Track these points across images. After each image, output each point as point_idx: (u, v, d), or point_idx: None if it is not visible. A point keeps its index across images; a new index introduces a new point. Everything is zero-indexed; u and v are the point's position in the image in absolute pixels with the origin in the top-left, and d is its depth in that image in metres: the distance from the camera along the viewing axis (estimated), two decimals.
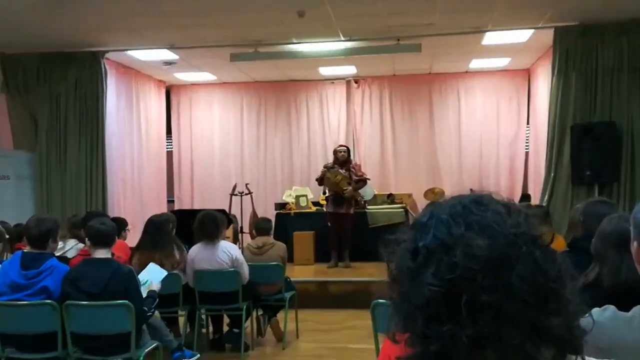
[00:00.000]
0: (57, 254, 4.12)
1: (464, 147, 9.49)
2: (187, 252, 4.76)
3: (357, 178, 7.30)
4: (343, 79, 9.74)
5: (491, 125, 9.44)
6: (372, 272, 6.57)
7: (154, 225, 4.65)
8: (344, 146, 7.52)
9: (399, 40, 6.91)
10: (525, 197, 8.26)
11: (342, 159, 7.31)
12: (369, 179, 7.55)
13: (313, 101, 9.91)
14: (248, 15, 6.03)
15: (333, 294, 6.52)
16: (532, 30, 6.86)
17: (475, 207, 0.77)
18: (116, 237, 3.76)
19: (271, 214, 8.49)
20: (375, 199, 8.49)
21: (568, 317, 0.72)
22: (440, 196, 7.52)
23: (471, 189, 0.82)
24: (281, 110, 9.97)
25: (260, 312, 5.22)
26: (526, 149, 9.42)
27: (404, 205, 8.27)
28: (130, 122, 8.74)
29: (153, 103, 9.47)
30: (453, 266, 0.71)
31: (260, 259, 5.18)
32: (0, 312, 3.41)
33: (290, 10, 5.89)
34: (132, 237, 5.90)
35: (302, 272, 7.10)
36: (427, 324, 0.72)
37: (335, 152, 7.48)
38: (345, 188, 7.18)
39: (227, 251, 4.71)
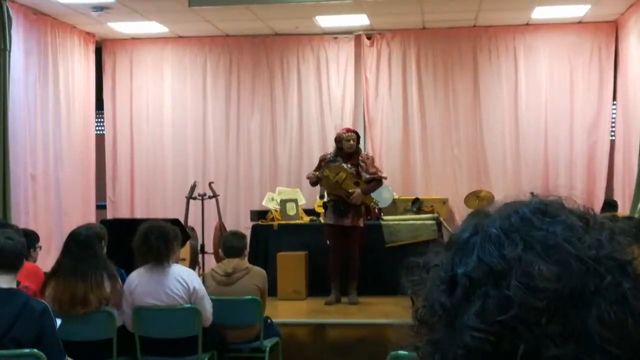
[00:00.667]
0: None
1: (522, 133, 9.53)
2: (124, 280, 4.76)
3: (368, 176, 7.31)
4: (350, 33, 9.76)
5: (562, 101, 9.49)
6: (388, 312, 6.58)
7: (76, 242, 4.65)
8: (352, 131, 7.53)
9: None
10: (610, 205, 8.29)
11: (349, 149, 7.32)
12: (385, 178, 7.56)
13: (307, 65, 9.93)
14: None
15: (333, 343, 6.51)
16: None
17: (538, 219, 0.77)
18: (24, 259, 3.75)
19: (246, 226, 8.48)
20: (395, 207, 8.51)
21: None
22: (488, 203, 7.53)
23: (532, 193, 0.83)
24: (261, 78, 9.99)
25: None
26: (612, 136, 9.47)
27: (436, 215, 8.28)
28: (45, 93, 8.74)
29: (77, 65, 9.47)
30: (506, 303, 0.71)
31: (229, 290, 5.19)
32: None
33: None
34: (45, 258, 5.89)
35: (288, 311, 7.11)
36: None
37: (338, 139, 7.49)
38: (351, 190, 7.20)
39: (182, 279, 4.72)
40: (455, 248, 0.78)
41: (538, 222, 0.76)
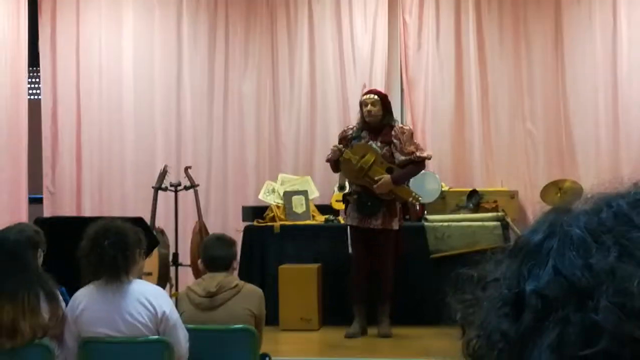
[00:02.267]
0: None
1: (623, 101, 9.50)
2: (67, 302, 4.78)
3: (404, 158, 7.31)
4: None
5: None
6: (430, 347, 6.59)
7: (1, 251, 4.66)
8: (375, 92, 7.52)
9: None
10: None
11: (371, 117, 7.34)
12: (429, 158, 7.58)
13: (322, 3, 9.92)
14: None
15: None
16: None
17: (639, 215, 0.77)
18: None
19: (236, 228, 8.53)
20: (444, 202, 8.52)
21: None
22: (574, 197, 7.50)
23: (636, 183, 0.82)
24: (258, 22, 10.01)
25: None
26: None
27: (501, 214, 8.28)
28: None
29: (1, 4, 9.48)
30: (593, 332, 0.71)
31: (212, 317, 5.21)
32: None
33: None
34: None
35: (295, 346, 7.16)
36: None
37: (361, 104, 7.49)
38: (379, 177, 7.19)
39: (147, 301, 4.73)
40: (523, 256, 0.79)
41: (639, 220, 0.76)
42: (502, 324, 0.76)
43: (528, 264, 0.77)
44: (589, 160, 9.49)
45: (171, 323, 4.75)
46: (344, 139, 7.49)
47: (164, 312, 4.74)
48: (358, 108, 7.67)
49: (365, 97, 7.48)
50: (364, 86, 9.30)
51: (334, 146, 7.46)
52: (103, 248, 4.68)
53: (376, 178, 7.16)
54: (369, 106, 7.35)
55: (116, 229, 4.78)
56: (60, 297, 4.74)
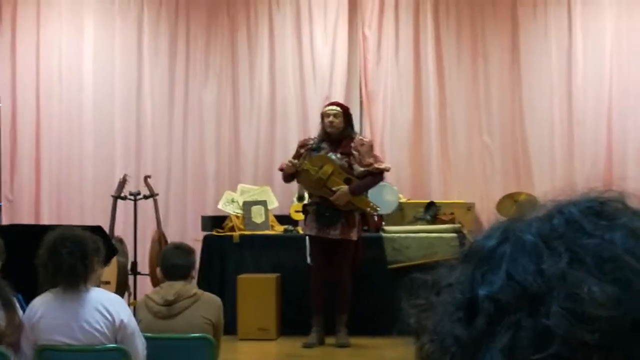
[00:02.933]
0: None
1: (578, 114, 9.55)
2: (24, 310, 4.73)
3: (363, 169, 7.32)
4: None
5: (633, 70, 9.51)
6: (389, 357, 6.60)
7: None
8: (337, 105, 7.53)
9: None
10: None
11: (332, 129, 7.35)
12: (387, 170, 7.58)
13: (283, 15, 9.92)
14: None
15: None
16: None
17: (590, 223, 0.77)
18: None
19: (195, 237, 8.48)
20: (401, 214, 8.53)
21: None
22: (529, 209, 7.54)
23: (583, 188, 0.83)
24: (219, 32, 9.99)
25: None
26: None
27: (457, 226, 8.31)
28: None
29: None
30: (544, 337, 0.71)
31: (170, 325, 5.17)
32: None
33: None
34: None
35: (253, 356, 7.11)
36: None
37: (323, 115, 7.50)
38: (337, 188, 7.20)
39: (104, 309, 4.69)
40: (477, 261, 0.78)
41: (590, 227, 0.76)
42: (455, 328, 0.76)
43: (481, 269, 0.77)
44: (544, 173, 9.52)
45: (129, 331, 4.71)
46: (304, 147, 7.48)
47: (121, 320, 4.71)
48: (318, 119, 7.67)
49: (327, 108, 7.48)
50: (326, 99, 9.31)
51: (289, 161, 7.44)
52: (61, 256, 4.64)
53: (334, 189, 7.16)
54: (331, 117, 7.35)
55: (74, 237, 4.74)
56: (18, 305, 4.70)
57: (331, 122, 7.33)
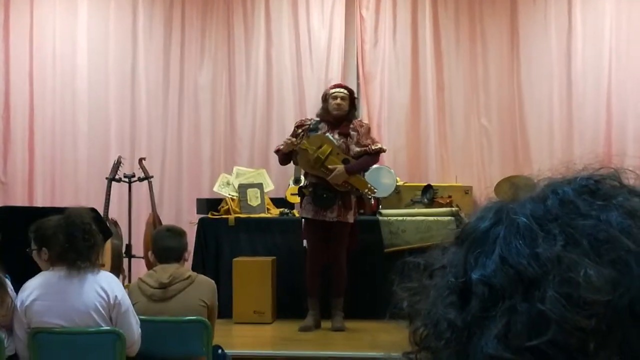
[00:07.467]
0: None
1: (577, 97, 9.60)
2: (17, 292, 4.72)
3: (360, 149, 7.33)
4: None
5: (633, 54, 9.55)
6: (382, 342, 6.58)
7: None
8: (345, 88, 7.54)
9: None
10: None
11: (337, 111, 7.37)
12: (383, 150, 7.60)
13: None
14: None
15: None
16: None
17: (585, 203, 0.77)
18: None
19: (190, 220, 8.53)
20: (398, 197, 8.55)
21: None
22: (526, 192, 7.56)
23: (582, 168, 0.82)
24: (215, 14, 10.00)
25: None
26: None
27: (455, 209, 8.32)
28: None
29: None
30: (539, 322, 0.71)
31: (164, 308, 5.19)
32: None
33: None
34: None
35: (248, 339, 7.15)
36: None
37: (327, 97, 7.48)
38: (334, 167, 7.21)
39: (100, 287, 4.70)
40: (470, 243, 0.78)
41: (585, 207, 0.76)
42: (448, 312, 0.76)
43: (475, 252, 0.77)
44: (543, 156, 9.55)
45: (123, 309, 4.72)
46: (301, 128, 7.49)
47: (115, 297, 4.72)
48: (314, 101, 7.68)
49: (334, 90, 7.47)
50: (322, 82, 9.36)
51: (288, 139, 7.45)
52: (73, 235, 4.65)
53: (330, 167, 7.18)
54: (339, 100, 7.36)
55: (80, 216, 4.76)
56: (10, 286, 4.70)
57: (339, 105, 7.35)
